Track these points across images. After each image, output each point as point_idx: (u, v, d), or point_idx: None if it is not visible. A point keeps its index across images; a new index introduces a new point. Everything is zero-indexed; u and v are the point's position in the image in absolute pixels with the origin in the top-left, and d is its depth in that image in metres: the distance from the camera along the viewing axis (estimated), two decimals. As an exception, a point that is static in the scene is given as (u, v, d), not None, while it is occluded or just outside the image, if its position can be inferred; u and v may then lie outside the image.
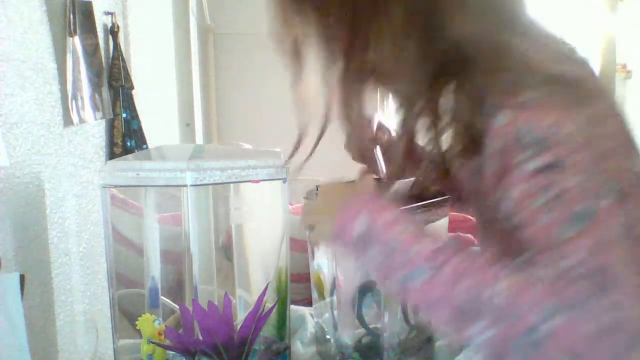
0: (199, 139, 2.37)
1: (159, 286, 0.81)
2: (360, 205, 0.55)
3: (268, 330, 0.79)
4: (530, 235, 0.48)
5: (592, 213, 0.46)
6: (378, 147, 0.78)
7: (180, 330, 0.69)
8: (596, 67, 0.78)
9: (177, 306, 0.79)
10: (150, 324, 0.71)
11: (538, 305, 0.43)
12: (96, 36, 1.06)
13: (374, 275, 0.59)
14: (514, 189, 0.49)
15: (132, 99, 1.24)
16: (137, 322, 0.72)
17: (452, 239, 1.90)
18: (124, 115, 1.19)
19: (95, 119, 1.05)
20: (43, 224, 0.83)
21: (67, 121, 0.93)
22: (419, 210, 0.76)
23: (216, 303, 0.68)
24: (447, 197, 0.83)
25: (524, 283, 0.45)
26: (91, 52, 1.04)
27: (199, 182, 0.67)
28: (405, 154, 0.66)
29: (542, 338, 0.43)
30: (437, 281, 0.48)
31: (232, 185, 0.78)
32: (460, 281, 0.47)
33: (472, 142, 0.55)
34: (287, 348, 0.79)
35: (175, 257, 0.77)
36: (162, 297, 0.81)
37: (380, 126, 0.78)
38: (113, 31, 1.19)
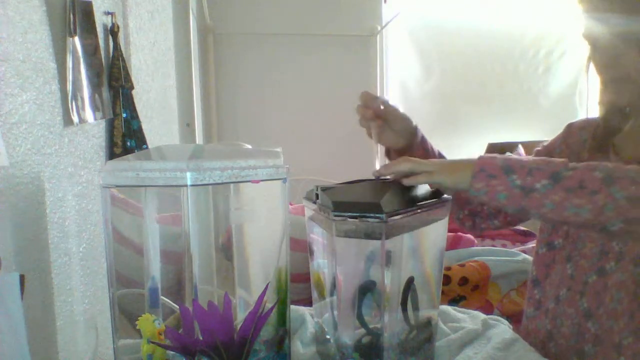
0: (199, 139, 2.37)
1: (159, 286, 0.81)
2: (492, 154, 0.77)
3: (268, 330, 0.79)
4: None
5: None
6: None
7: (180, 330, 0.69)
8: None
9: (177, 306, 0.79)
10: (150, 324, 0.71)
11: None
12: (96, 36, 1.06)
13: (510, 197, 0.75)
14: None
15: (132, 99, 1.24)
16: (137, 322, 0.72)
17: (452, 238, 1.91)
18: (124, 115, 1.19)
19: (95, 119, 1.05)
20: (43, 224, 0.83)
21: (67, 121, 0.93)
22: (420, 210, 0.76)
23: (216, 303, 0.68)
24: (448, 198, 0.83)
25: None
26: (91, 52, 1.04)
27: (199, 182, 0.67)
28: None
29: None
30: (578, 172, 0.72)
31: (232, 185, 0.78)
32: (595, 168, 0.72)
33: None
34: (287, 333, 0.79)
35: (175, 257, 0.77)
36: (162, 297, 0.81)
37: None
38: (113, 31, 1.19)
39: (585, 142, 0.97)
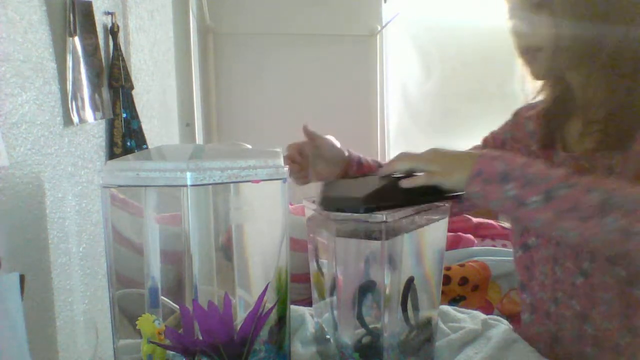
0: (199, 139, 2.37)
1: (159, 286, 0.81)
2: (495, 154, 0.73)
3: (268, 330, 0.79)
4: None
5: None
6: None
7: (180, 330, 0.69)
8: None
9: (177, 306, 0.79)
10: (150, 324, 0.71)
11: None
12: (96, 36, 1.06)
13: (503, 206, 0.72)
14: None
15: (132, 99, 1.24)
16: (137, 322, 0.72)
17: (453, 238, 1.90)
18: (124, 115, 1.19)
19: (95, 119, 1.05)
20: (43, 224, 0.83)
21: (67, 121, 0.93)
22: (420, 211, 0.76)
23: (216, 303, 0.68)
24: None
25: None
26: (91, 52, 1.04)
27: (199, 182, 0.67)
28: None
29: None
30: (574, 192, 0.67)
31: (232, 185, 0.78)
32: (593, 189, 0.67)
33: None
34: (287, 333, 0.79)
35: (175, 257, 0.77)
36: (162, 297, 0.81)
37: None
38: (113, 31, 1.19)
39: (533, 134, 0.95)
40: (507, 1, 0.87)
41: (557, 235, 0.72)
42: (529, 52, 0.85)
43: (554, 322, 0.91)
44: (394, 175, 0.79)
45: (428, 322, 0.82)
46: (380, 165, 1.03)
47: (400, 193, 0.75)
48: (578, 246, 0.73)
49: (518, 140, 0.98)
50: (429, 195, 0.76)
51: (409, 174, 0.78)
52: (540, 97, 0.95)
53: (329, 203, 0.75)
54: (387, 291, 0.73)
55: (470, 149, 1.05)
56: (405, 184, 0.75)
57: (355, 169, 1.00)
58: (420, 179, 0.75)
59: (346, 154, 1.01)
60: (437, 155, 0.77)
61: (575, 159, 0.86)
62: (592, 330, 0.85)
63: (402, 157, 0.79)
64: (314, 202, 0.78)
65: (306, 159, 0.99)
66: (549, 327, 0.92)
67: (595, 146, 0.82)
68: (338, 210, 0.72)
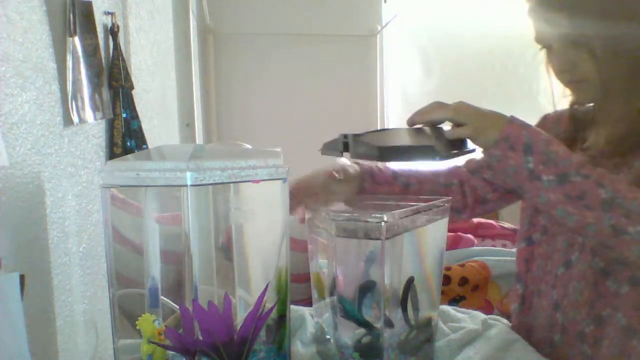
0: (199, 139, 2.37)
1: (159, 286, 0.81)
2: (523, 122, 0.76)
3: (268, 330, 0.79)
4: None
5: None
6: None
7: (180, 330, 0.69)
8: None
9: (177, 306, 0.79)
10: (150, 324, 0.71)
11: None
12: (96, 36, 1.06)
13: (517, 173, 0.75)
14: None
15: (132, 99, 1.24)
16: (137, 322, 0.72)
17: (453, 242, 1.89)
18: (124, 115, 1.19)
19: (95, 119, 1.05)
20: (43, 224, 0.83)
21: (67, 121, 0.93)
22: (420, 211, 0.76)
23: (216, 303, 0.68)
24: (447, 198, 0.83)
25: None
26: (91, 52, 1.04)
27: (199, 182, 0.67)
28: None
29: None
30: (586, 182, 0.71)
31: (232, 185, 0.78)
32: (603, 185, 0.71)
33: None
34: (287, 333, 0.79)
35: (175, 257, 0.77)
36: (162, 297, 0.81)
37: None
38: (113, 31, 1.19)
39: (559, 136, 0.97)
40: (543, 38, 0.88)
41: (554, 215, 0.75)
42: (574, 84, 0.87)
43: (533, 312, 0.94)
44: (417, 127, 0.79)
45: (428, 322, 0.83)
46: (395, 174, 1.01)
47: (442, 143, 0.76)
48: (570, 229, 0.77)
49: None
50: (454, 148, 0.77)
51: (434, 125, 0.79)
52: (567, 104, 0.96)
53: (392, 155, 0.72)
54: (387, 291, 0.72)
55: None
56: (452, 134, 0.77)
57: (370, 183, 0.98)
58: (464, 131, 0.77)
59: (355, 169, 0.97)
60: (471, 111, 0.78)
61: (591, 157, 0.88)
62: (562, 319, 0.88)
63: (437, 107, 0.79)
64: (341, 153, 0.75)
65: (315, 196, 0.94)
66: (529, 318, 0.95)
67: (613, 150, 0.85)
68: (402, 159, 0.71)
